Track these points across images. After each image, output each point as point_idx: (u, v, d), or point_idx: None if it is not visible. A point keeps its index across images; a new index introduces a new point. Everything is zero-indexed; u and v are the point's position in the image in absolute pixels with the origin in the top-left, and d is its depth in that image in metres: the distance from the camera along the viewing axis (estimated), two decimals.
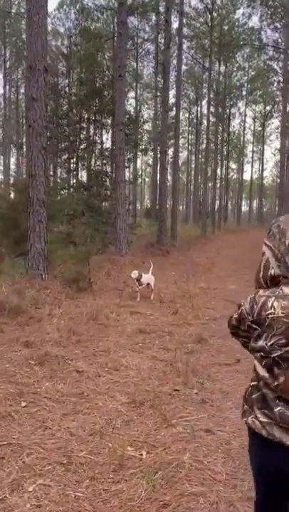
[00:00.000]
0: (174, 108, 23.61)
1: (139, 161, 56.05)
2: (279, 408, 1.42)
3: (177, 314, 6.85)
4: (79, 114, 14.02)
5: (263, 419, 1.45)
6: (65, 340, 5.13)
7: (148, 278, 8.25)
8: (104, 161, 14.37)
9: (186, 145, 56.22)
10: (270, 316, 1.44)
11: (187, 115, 52.24)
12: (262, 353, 1.47)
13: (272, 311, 1.44)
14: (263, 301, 1.46)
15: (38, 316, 5.99)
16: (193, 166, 54.39)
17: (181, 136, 56.49)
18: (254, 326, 1.50)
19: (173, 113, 23.61)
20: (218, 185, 45.46)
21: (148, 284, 8.31)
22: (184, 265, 14.26)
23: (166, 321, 6.49)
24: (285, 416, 1.41)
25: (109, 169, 14.44)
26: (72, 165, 14.31)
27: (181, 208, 67.81)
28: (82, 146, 14.15)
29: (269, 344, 1.44)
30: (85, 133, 14.04)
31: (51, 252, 9.01)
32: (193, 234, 27.89)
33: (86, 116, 14.17)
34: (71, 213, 12.96)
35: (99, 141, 14.38)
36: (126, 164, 15.65)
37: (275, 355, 1.42)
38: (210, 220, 36.04)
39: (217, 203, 46.45)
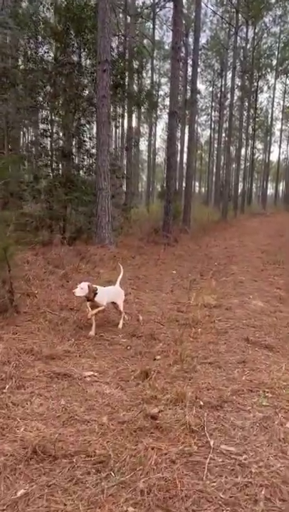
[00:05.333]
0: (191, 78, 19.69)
1: (159, 140, 52.09)
2: None
3: (145, 382, 3.38)
4: (55, 54, 10.45)
5: None
6: None
7: (111, 294, 4.81)
8: (89, 118, 10.80)
9: (209, 122, 52.05)
10: None
11: (211, 89, 47.98)
12: None
13: None
14: None
15: None
16: (216, 145, 50.19)
17: (204, 113, 52.54)
18: None
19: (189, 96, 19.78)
20: (242, 166, 41.56)
21: (113, 303, 4.87)
22: (194, 259, 10.80)
23: (115, 403, 3.04)
24: None
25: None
26: (48, 125, 10.77)
27: (203, 189, 63.71)
28: (60, 101, 10.56)
29: None
30: (64, 81, 10.44)
31: None
32: (213, 218, 24.24)
33: (64, 58, 10.56)
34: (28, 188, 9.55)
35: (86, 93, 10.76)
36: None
37: None
38: (232, 203, 32.33)
39: (241, 184, 42.58)
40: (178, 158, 33.70)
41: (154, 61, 38.23)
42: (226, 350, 4.11)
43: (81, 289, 4.35)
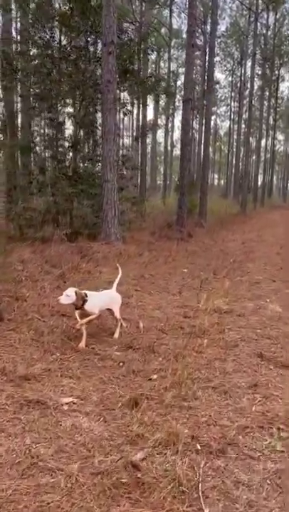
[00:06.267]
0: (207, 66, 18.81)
1: (177, 132, 50.97)
2: None
3: (134, 412, 2.79)
4: (59, 38, 9.85)
5: None
6: None
7: (105, 299, 4.22)
8: (98, 107, 10.17)
9: (229, 113, 50.72)
10: None
11: (230, 79, 46.63)
12: None
13: None
14: None
15: None
16: (235, 136, 49.09)
17: (223, 104, 51.28)
18: None
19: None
20: (262, 157, 40.43)
21: (109, 309, 4.29)
22: (208, 255, 10.15)
23: (93, 443, 2.46)
24: None
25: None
26: (53, 114, 10.19)
27: (222, 182, 62.46)
28: (66, 88, 9.97)
29: None
30: (70, 67, 9.85)
31: None
32: (231, 211, 23.40)
33: (70, 44, 9.97)
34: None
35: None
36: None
37: None
38: (252, 195, 31.39)
39: (261, 176, 41.52)
40: (196, 150, 32.91)
41: (172, 50, 37.33)
42: (234, 369, 3.48)
43: (67, 297, 3.78)
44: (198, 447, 2.39)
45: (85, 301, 3.87)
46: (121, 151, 11.41)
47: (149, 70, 14.03)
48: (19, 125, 10.90)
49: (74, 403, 2.92)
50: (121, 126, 32.85)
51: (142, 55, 12.36)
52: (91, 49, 10.47)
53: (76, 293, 3.81)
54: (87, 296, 3.89)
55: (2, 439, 2.47)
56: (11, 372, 3.21)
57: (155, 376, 3.37)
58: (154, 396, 3.01)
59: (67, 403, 2.91)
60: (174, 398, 2.97)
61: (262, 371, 3.45)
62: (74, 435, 2.55)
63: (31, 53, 10.13)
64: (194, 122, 32.80)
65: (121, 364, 3.63)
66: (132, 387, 3.19)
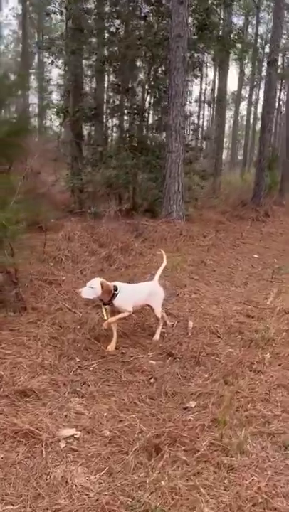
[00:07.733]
0: None
1: (262, 104, 47.76)
2: None
3: (151, 464, 1.99)
4: None
5: None
6: None
7: (141, 294, 3.40)
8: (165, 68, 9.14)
9: None
10: None
11: None
12: None
13: None
14: None
15: None
16: None
17: None
18: None
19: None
20: None
21: (147, 305, 3.49)
22: (285, 239, 8.99)
23: None
24: None
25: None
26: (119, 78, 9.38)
27: None
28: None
29: None
30: (141, 26, 8.95)
31: None
32: None
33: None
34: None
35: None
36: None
37: None
38: None
39: None
40: (281, 124, 30.39)
41: (261, 13, 34.41)
42: None
43: (91, 289, 3.03)
44: None
45: (114, 295, 3.09)
46: (194, 119, 10.31)
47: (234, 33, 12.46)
48: (84, 91, 10.24)
49: (76, 438, 2.19)
50: (202, 98, 31.18)
51: (222, 7, 10.99)
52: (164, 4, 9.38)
53: (102, 285, 3.04)
54: (117, 289, 3.11)
55: None
56: (8, 384, 2.54)
57: (193, 404, 2.55)
58: (185, 439, 2.18)
59: (66, 438, 2.18)
60: (212, 447, 2.12)
61: None
62: (60, 496, 1.81)
63: (99, 11, 9.31)
64: (282, 93, 30.19)
65: (152, 380, 2.83)
66: (159, 418, 2.39)
